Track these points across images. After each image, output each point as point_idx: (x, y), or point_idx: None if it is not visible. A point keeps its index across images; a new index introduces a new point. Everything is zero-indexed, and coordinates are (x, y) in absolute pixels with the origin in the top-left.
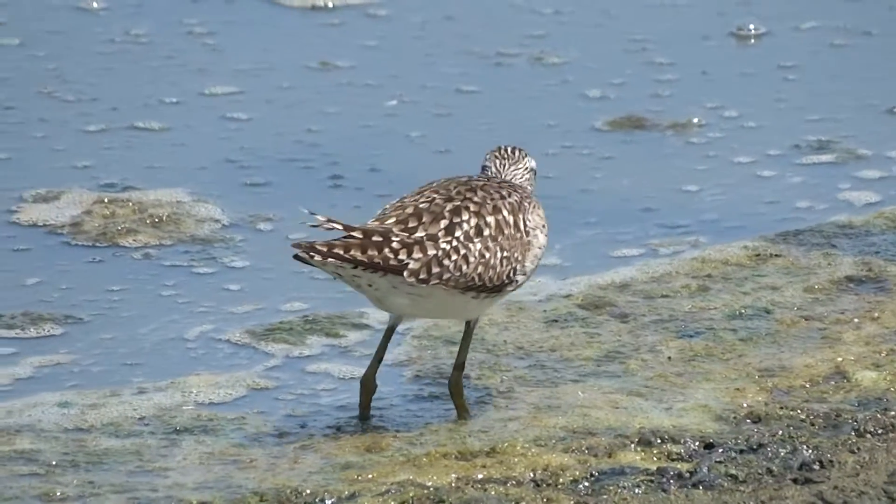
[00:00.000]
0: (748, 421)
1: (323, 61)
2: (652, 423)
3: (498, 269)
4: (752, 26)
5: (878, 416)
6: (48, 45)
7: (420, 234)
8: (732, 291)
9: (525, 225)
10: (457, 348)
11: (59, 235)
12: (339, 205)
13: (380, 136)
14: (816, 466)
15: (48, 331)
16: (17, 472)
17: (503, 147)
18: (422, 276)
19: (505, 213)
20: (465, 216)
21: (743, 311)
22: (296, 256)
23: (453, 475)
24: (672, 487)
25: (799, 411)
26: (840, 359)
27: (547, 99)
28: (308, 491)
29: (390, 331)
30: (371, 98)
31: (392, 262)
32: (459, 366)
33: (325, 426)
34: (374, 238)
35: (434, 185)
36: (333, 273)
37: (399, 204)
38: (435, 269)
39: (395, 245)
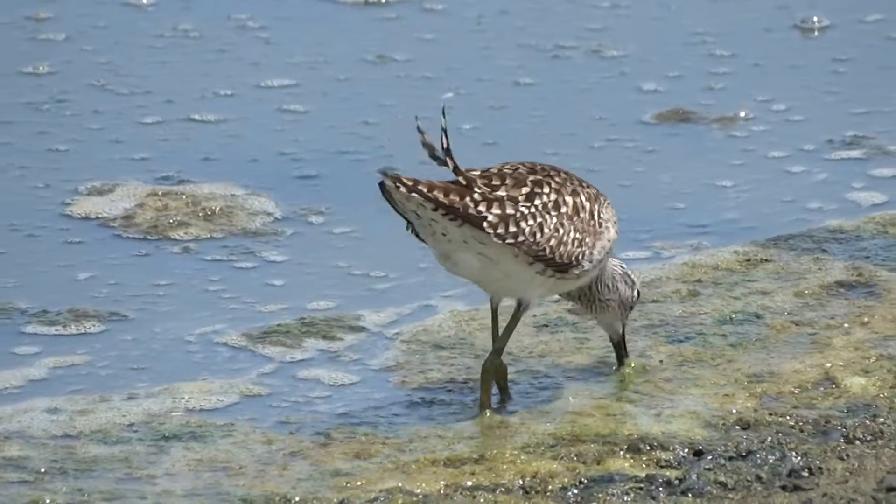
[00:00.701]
0: (737, 427)
1: (380, 54)
2: (641, 430)
3: (569, 248)
4: (815, 19)
5: (868, 422)
6: (97, 39)
7: (502, 192)
8: (723, 296)
9: (599, 216)
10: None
11: (111, 228)
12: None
13: (434, 129)
14: (805, 473)
15: (86, 328)
16: (5, 479)
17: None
18: (499, 231)
19: (583, 198)
20: (546, 189)
21: (733, 316)
22: (381, 185)
23: (442, 482)
24: (661, 495)
25: (788, 418)
26: (829, 364)
27: (600, 91)
28: (297, 498)
29: (495, 312)
30: (427, 90)
31: (471, 212)
32: (497, 350)
33: (314, 433)
34: (460, 180)
35: (517, 163)
36: (413, 212)
37: (483, 170)
38: (512, 228)
39: (476, 196)
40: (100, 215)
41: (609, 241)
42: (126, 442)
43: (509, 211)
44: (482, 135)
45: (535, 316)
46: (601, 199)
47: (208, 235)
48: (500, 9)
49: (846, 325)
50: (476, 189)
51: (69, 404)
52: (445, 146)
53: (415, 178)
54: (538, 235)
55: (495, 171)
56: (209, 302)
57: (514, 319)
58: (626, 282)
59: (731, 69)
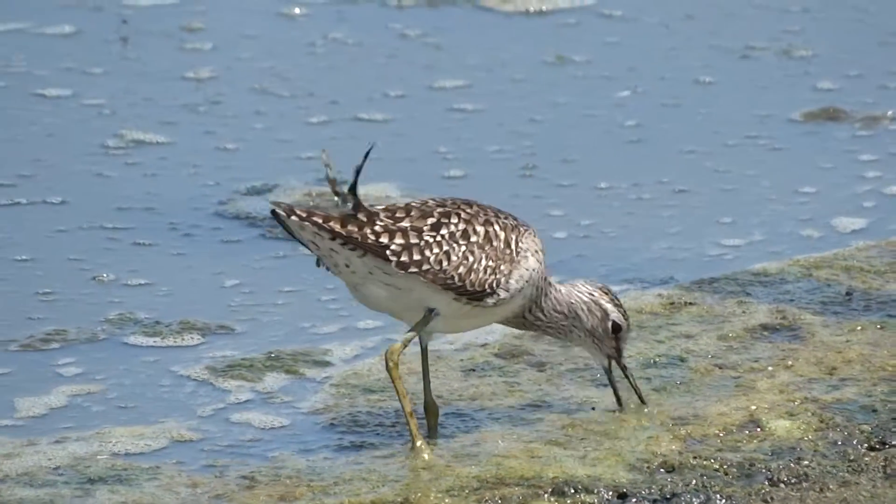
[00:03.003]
0: (662, 470)
1: (559, 55)
2: (566, 473)
3: (480, 276)
4: None
5: (792, 465)
6: (250, 48)
7: (405, 224)
8: (647, 340)
9: (517, 244)
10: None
11: (257, 228)
12: (543, 195)
13: (601, 125)
14: None
15: (176, 341)
16: None
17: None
18: (403, 260)
19: (497, 227)
20: (455, 220)
21: (657, 359)
22: (273, 213)
23: None
24: None
25: (712, 460)
26: (754, 407)
27: (776, 90)
28: None
29: (424, 350)
30: (604, 89)
31: (371, 241)
32: (405, 341)
33: (239, 476)
34: (359, 216)
35: (436, 198)
36: (311, 242)
37: (393, 204)
38: (416, 257)
39: (377, 228)
40: (250, 215)
41: (528, 269)
42: (52, 485)
43: (413, 240)
44: (644, 131)
45: (461, 360)
46: (520, 229)
47: None
48: (686, 13)
49: (770, 368)
50: (378, 221)
51: None
52: (353, 183)
53: (309, 209)
54: (444, 263)
55: (401, 205)
56: (317, 313)
57: (424, 321)
58: (590, 310)
59: None
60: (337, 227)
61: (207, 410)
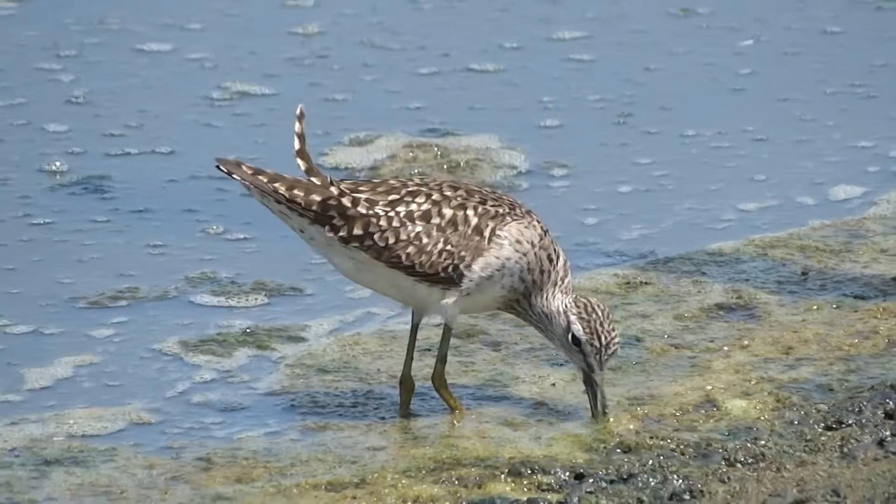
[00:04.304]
0: (618, 450)
1: (683, 7)
2: (522, 453)
3: (433, 258)
4: None
5: (748, 445)
6: (354, 4)
7: (361, 195)
8: None
9: (493, 232)
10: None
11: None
12: (630, 143)
13: (713, 74)
14: (687, 496)
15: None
16: None
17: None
18: (341, 234)
19: (469, 212)
20: (421, 199)
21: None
22: (218, 167)
23: None
24: None
25: (669, 440)
26: (710, 387)
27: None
28: None
29: (414, 328)
30: (726, 39)
31: (314, 209)
32: (441, 358)
33: (196, 457)
34: (310, 181)
35: (439, 179)
36: (261, 202)
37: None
38: (357, 231)
39: (326, 194)
40: (349, 166)
41: (500, 258)
42: (7, 467)
43: (361, 211)
44: (746, 80)
45: (417, 340)
46: (507, 218)
47: None
48: None
49: (726, 347)
50: (333, 188)
51: None
52: (298, 148)
53: (257, 167)
54: (390, 241)
55: (377, 181)
56: None
57: (447, 329)
58: (558, 320)
59: None
60: (281, 189)
61: (170, 391)
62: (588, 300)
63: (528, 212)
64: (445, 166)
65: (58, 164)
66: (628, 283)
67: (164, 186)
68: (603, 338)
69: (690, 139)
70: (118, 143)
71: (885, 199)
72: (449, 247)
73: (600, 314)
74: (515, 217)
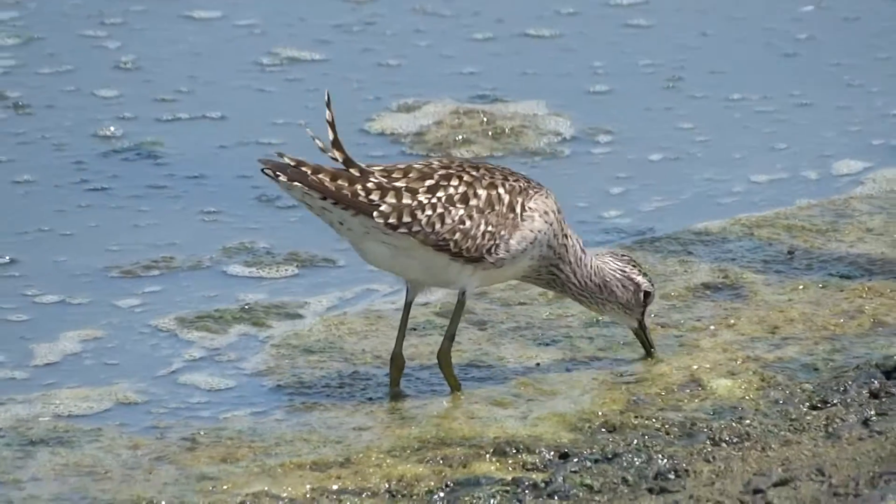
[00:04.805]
0: (603, 430)
1: None
2: (507, 433)
3: (478, 241)
4: None
5: (734, 424)
6: None
7: (401, 183)
8: None
9: (523, 207)
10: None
11: (399, 145)
12: (675, 107)
13: (769, 38)
14: (672, 476)
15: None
16: None
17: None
18: (391, 221)
19: (501, 191)
20: (455, 182)
21: (599, 318)
22: (263, 171)
23: (308, 486)
24: (527, 498)
25: (654, 420)
26: (696, 367)
27: None
28: (163, 502)
29: (408, 305)
30: (787, 4)
31: (361, 199)
32: (449, 336)
33: (180, 437)
34: (351, 173)
35: (446, 158)
36: (301, 202)
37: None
38: (406, 218)
39: (370, 185)
40: (395, 132)
41: (533, 231)
42: None
43: (405, 201)
44: (801, 45)
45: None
46: (529, 192)
47: (487, 154)
48: None
49: (712, 327)
50: (372, 178)
51: None
52: (333, 138)
53: (299, 161)
54: (437, 226)
55: (403, 165)
56: None
57: (459, 306)
58: (623, 285)
59: None
60: (327, 183)
61: (160, 370)
62: (626, 255)
63: (538, 183)
64: (490, 133)
65: (111, 128)
66: None
67: (217, 152)
68: (653, 280)
69: (735, 103)
70: (170, 109)
71: (872, 179)
72: (490, 227)
73: (638, 263)
74: (535, 189)
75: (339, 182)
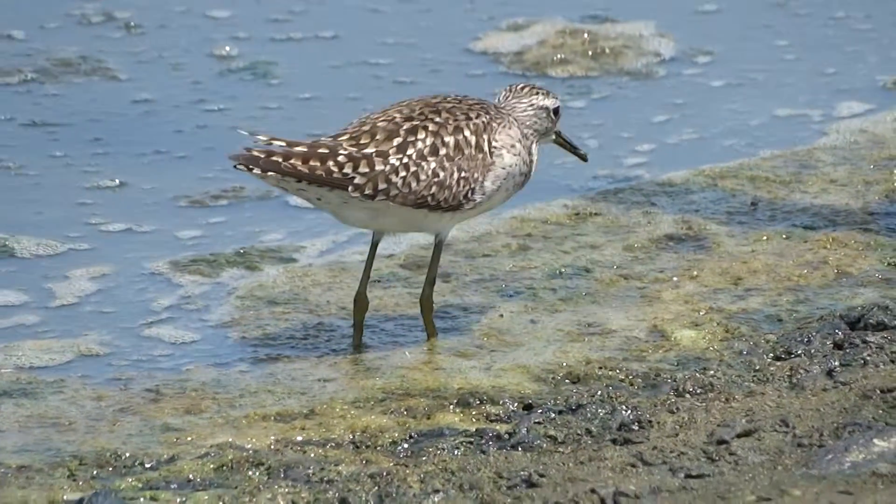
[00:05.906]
0: (567, 381)
1: None
2: (471, 384)
3: (454, 190)
4: None
5: (697, 375)
6: None
7: (370, 150)
8: (552, 250)
9: (490, 145)
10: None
11: (499, 64)
12: (775, 25)
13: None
14: (635, 427)
15: None
16: None
17: (515, 84)
18: (367, 192)
19: (467, 133)
20: (422, 135)
21: (563, 270)
22: (236, 167)
23: (272, 437)
24: (491, 449)
25: (618, 371)
26: (659, 318)
27: None
28: (127, 454)
29: (374, 246)
30: None
31: (336, 176)
32: (430, 281)
33: (144, 389)
34: (319, 150)
35: (404, 103)
36: (276, 187)
37: (359, 122)
38: (381, 186)
39: (341, 159)
40: (497, 51)
41: (504, 167)
42: None
43: (378, 167)
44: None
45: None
46: (494, 125)
47: (582, 74)
48: None
49: (675, 278)
50: (341, 150)
51: None
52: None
53: (268, 150)
54: (414, 185)
55: (367, 126)
56: None
57: (437, 250)
58: (539, 117)
59: None
60: (300, 167)
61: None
62: (513, 90)
63: (497, 109)
64: (591, 52)
65: (227, 48)
66: (577, 213)
67: (329, 73)
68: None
69: (835, 21)
70: (283, 29)
71: (836, 129)
72: (463, 173)
73: (531, 83)
74: (497, 120)
75: (312, 163)
